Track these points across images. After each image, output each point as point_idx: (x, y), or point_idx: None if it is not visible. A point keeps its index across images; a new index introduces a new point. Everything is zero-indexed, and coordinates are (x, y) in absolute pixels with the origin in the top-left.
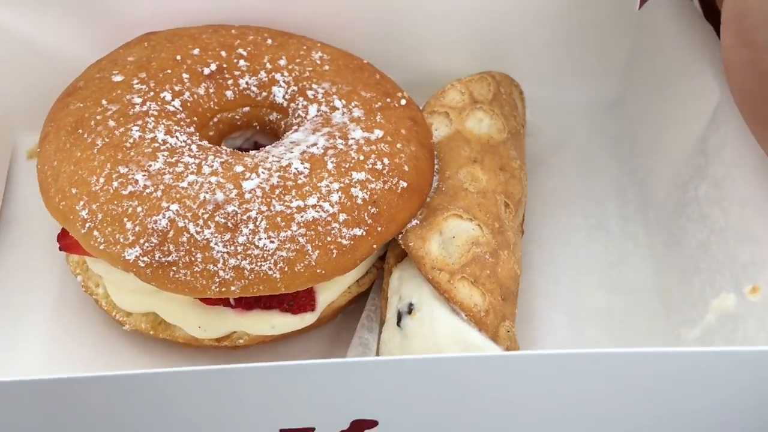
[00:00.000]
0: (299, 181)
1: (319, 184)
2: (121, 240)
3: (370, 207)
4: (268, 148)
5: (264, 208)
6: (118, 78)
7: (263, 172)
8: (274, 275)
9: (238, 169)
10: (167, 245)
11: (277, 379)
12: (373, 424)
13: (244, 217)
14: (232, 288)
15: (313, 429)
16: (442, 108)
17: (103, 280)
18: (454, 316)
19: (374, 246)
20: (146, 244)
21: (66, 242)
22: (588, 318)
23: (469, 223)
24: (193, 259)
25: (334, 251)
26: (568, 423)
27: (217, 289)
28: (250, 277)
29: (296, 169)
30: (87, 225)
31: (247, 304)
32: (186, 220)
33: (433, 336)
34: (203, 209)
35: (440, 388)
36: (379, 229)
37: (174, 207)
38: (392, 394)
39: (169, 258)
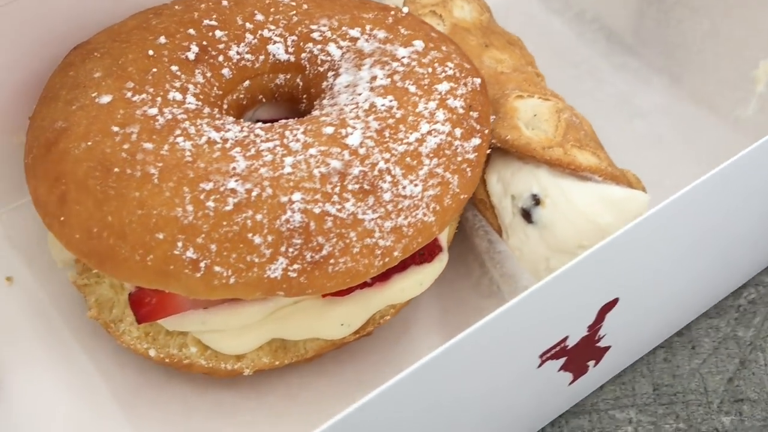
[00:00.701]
0: (397, 115)
1: (417, 110)
2: (256, 260)
3: (471, 113)
4: (323, 103)
5: (387, 155)
6: (105, 99)
7: (355, 122)
8: (429, 219)
9: (327, 130)
10: (315, 239)
11: (533, 307)
12: (614, 303)
13: (375, 173)
14: (395, 254)
15: (566, 337)
16: (424, 9)
17: (195, 336)
18: (587, 183)
19: (487, 151)
20: (290, 250)
21: (147, 309)
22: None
23: (533, 99)
24: (348, 241)
25: (468, 169)
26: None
27: (381, 262)
28: (409, 233)
29: (383, 105)
30: (201, 264)
31: (383, 275)
32: (320, 204)
33: (577, 210)
34: (329, 184)
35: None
36: (486, 131)
37: (297, 196)
38: (630, 269)
39: (323, 252)
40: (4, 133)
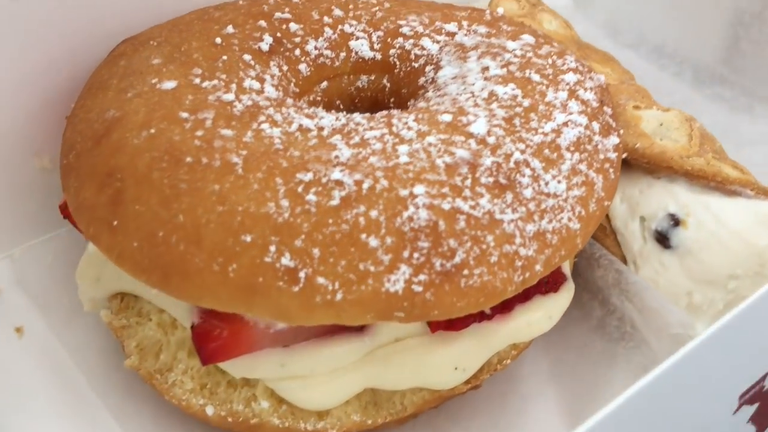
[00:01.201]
0: (525, 104)
1: (546, 99)
2: (372, 268)
3: (605, 108)
4: (427, 95)
5: (521, 145)
6: (168, 84)
7: (476, 110)
8: (574, 226)
9: (444, 117)
10: (445, 243)
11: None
12: None
13: (511, 165)
14: (537, 267)
15: (765, 376)
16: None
17: (269, 385)
18: (738, 199)
19: (624, 154)
20: (415, 255)
21: (216, 345)
22: None
23: (652, 110)
24: (484, 247)
25: (610, 171)
26: None
27: (520, 277)
28: (553, 241)
29: (505, 93)
30: (301, 274)
31: (505, 306)
32: (449, 199)
33: (730, 231)
34: (458, 176)
35: None
36: (621, 132)
37: (419, 189)
38: None
39: (455, 260)
40: (21, 156)
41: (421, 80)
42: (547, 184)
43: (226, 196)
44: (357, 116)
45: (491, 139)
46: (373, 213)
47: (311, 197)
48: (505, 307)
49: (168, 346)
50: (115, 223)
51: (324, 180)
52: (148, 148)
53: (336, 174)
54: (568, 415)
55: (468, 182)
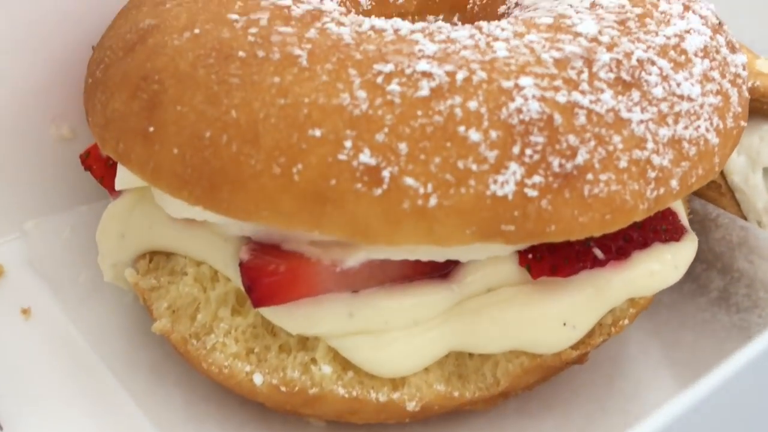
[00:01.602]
0: (636, 11)
1: (660, 9)
2: (474, 167)
3: (724, 26)
4: (515, 13)
5: (641, 45)
6: None
7: (580, 15)
8: (713, 140)
9: (544, 20)
10: (564, 139)
11: None
12: None
13: (634, 62)
14: (672, 183)
15: None
16: None
17: (332, 345)
18: None
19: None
20: (528, 152)
21: (271, 282)
22: None
23: (760, 59)
24: (611, 149)
25: (743, 88)
26: None
27: (654, 192)
28: (690, 153)
29: (611, 2)
30: (384, 173)
31: (621, 250)
32: (563, 92)
33: None
34: (572, 69)
35: None
36: (745, 59)
37: (527, 81)
38: None
39: (577, 160)
40: (37, 123)
41: (501, 9)
42: (679, 85)
43: (289, 89)
44: (437, 22)
45: (605, 38)
46: (472, 104)
47: (394, 87)
48: (621, 252)
49: (207, 303)
50: (151, 129)
51: (408, 71)
52: (191, 47)
53: (422, 65)
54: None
55: (584, 76)
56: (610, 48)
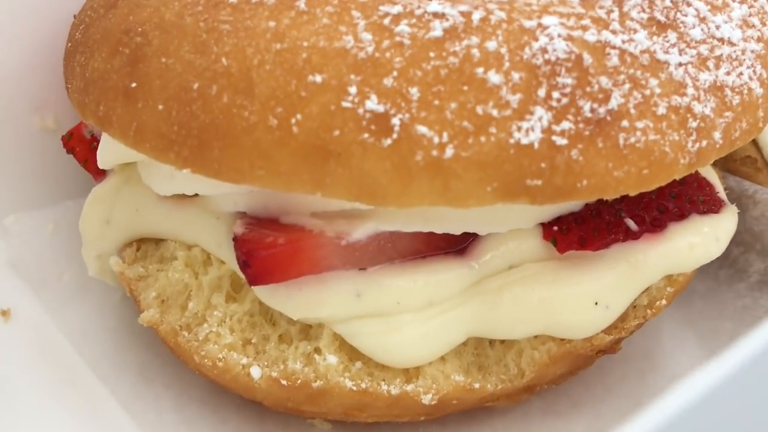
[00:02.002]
0: None
1: None
2: (495, 112)
3: None
4: None
5: None
6: None
7: None
8: (757, 90)
9: None
10: (595, 81)
11: None
12: None
13: (667, 3)
14: (715, 135)
15: None
16: None
17: (338, 332)
18: None
19: None
20: (555, 95)
21: (269, 255)
22: None
23: None
24: (647, 93)
25: None
26: None
27: (695, 145)
28: (733, 102)
29: None
30: (394, 121)
31: (656, 221)
32: (593, 31)
33: None
34: (600, 8)
35: None
36: None
37: (551, 20)
38: None
39: (611, 105)
40: (19, 112)
41: None
42: (718, 27)
43: (285, 33)
44: None
45: None
46: (491, 44)
47: (403, 28)
48: (656, 224)
49: (199, 290)
50: (134, 85)
51: (419, 12)
52: None
53: (434, 6)
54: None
55: (615, 15)
56: None
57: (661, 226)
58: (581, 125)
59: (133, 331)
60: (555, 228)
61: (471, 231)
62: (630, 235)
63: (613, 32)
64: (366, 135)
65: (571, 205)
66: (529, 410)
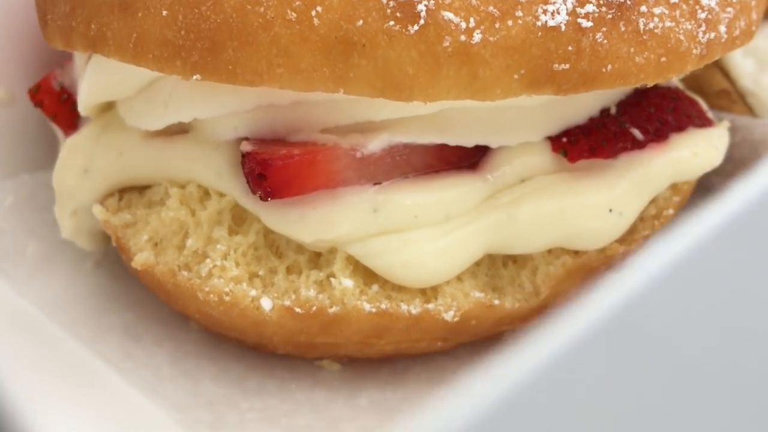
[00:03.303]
0: None
1: None
2: None
3: None
4: None
5: None
6: None
7: None
8: None
9: None
10: None
11: None
12: None
13: None
14: (721, 29)
15: None
16: None
17: (353, 254)
18: None
19: None
20: None
21: (285, 166)
22: None
23: None
24: None
25: None
26: None
27: (705, 36)
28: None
29: None
30: (420, 6)
31: (658, 132)
32: None
33: None
34: None
35: None
36: None
37: None
38: None
39: None
40: None
41: None
42: None
43: None
44: None
45: None
46: None
47: None
48: (659, 134)
49: (197, 227)
50: None
51: None
52: None
53: None
54: None
55: None
56: None
57: (664, 136)
58: (603, 9)
59: (111, 295)
60: (564, 140)
61: (483, 143)
62: (636, 145)
63: None
64: (391, 23)
65: (577, 117)
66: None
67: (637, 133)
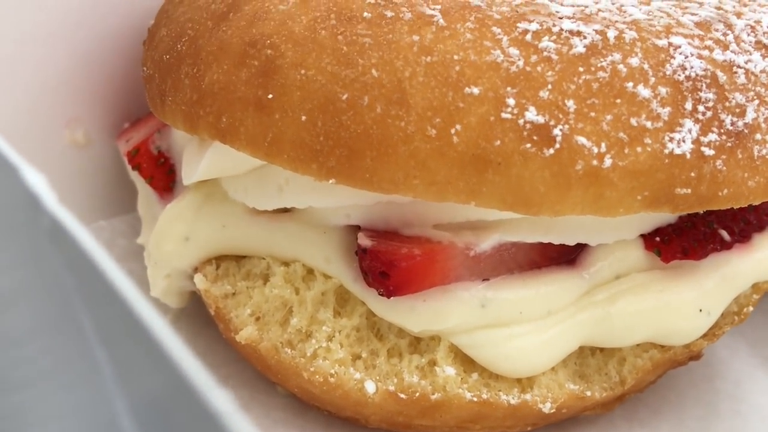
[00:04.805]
0: None
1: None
2: (649, 124)
3: None
4: None
5: (766, 17)
6: None
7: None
8: None
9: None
10: (730, 97)
11: None
12: None
13: (765, 29)
14: None
15: None
16: None
17: (456, 344)
18: None
19: None
20: (701, 109)
21: (406, 267)
22: None
23: None
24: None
25: None
26: None
27: None
28: None
29: None
30: (556, 131)
31: (743, 233)
32: (719, 51)
33: None
34: (716, 31)
35: None
36: None
37: (679, 40)
38: None
39: (747, 119)
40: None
41: None
42: None
43: (432, 47)
44: None
45: (728, 6)
46: (633, 61)
47: (547, 44)
48: (743, 234)
49: (302, 306)
50: (270, 96)
51: (555, 29)
52: (302, 11)
53: (568, 24)
54: None
55: (731, 38)
56: (738, 16)
57: (748, 237)
58: (724, 137)
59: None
60: (657, 239)
61: (584, 242)
62: (725, 246)
63: (735, 53)
64: (528, 145)
65: (669, 216)
66: (612, 419)
67: (725, 235)
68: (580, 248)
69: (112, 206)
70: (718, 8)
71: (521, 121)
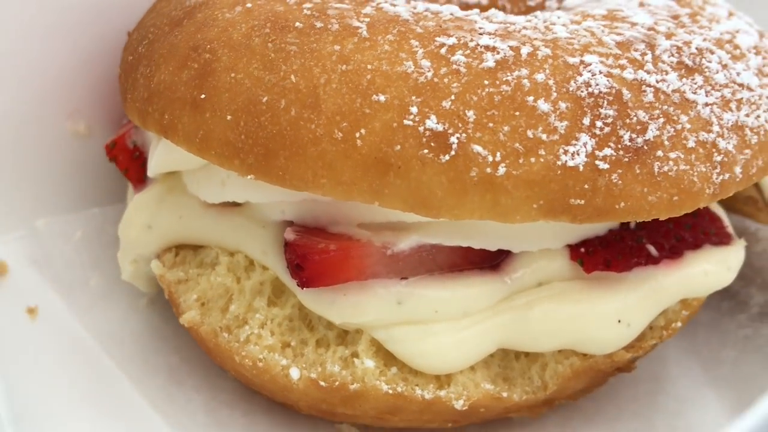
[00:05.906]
0: (684, 12)
1: (707, 12)
2: (544, 137)
3: (766, 40)
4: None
5: (698, 37)
6: None
7: (632, 10)
8: None
9: (598, 11)
10: (633, 114)
11: None
12: None
13: (693, 50)
14: (736, 170)
15: None
16: None
17: (376, 337)
18: None
19: None
20: (598, 124)
21: (320, 260)
22: None
23: None
24: (679, 127)
25: None
26: None
27: (719, 177)
28: (752, 141)
29: (660, 1)
30: (452, 140)
31: (674, 249)
32: (630, 70)
33: None
34: (635, 51)
35: None
36: None
37: (592, 58)
38: None
39: (648, 136)
40: (52, 116)
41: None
42: (738, 74)
43: (350, 56)
44: (491, 10)
45: (661, 28)
46: (539, 76)
47: (459, 57)
48: (674, 251)
49: (241, 294)
50: (203, 96)
51: (471, 44)
52: (244, 19)
53: (485, 40)
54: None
55: (648, 58)
56: (668, 36)
57: (679, 253)
58: (621, 152)
59: (161, 335)
60: (582, 249)
61: (506, 248)
62: (651, 260)
63: (648, 72)
64: (425, 151)
65: (597, 229)
66: (545, 424)
67: (652, 250)
68: (504, 254)
69: (106, 195)
70: (650, 29)
71: (421, 128)
